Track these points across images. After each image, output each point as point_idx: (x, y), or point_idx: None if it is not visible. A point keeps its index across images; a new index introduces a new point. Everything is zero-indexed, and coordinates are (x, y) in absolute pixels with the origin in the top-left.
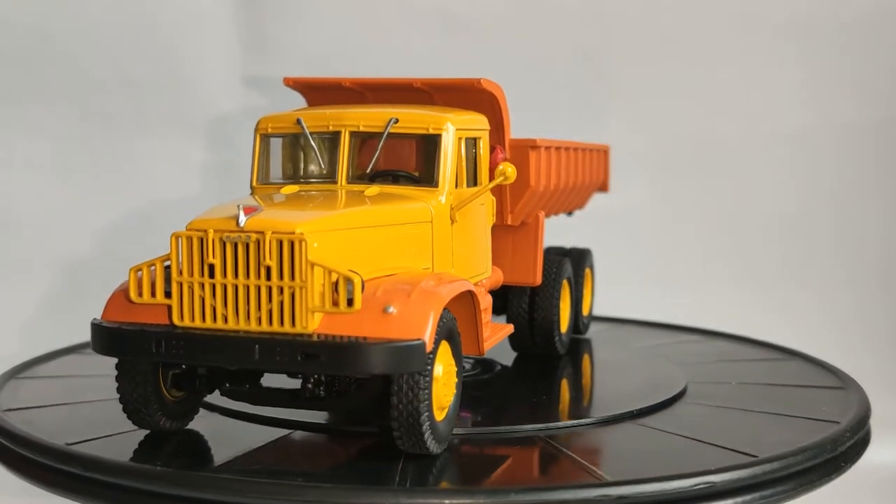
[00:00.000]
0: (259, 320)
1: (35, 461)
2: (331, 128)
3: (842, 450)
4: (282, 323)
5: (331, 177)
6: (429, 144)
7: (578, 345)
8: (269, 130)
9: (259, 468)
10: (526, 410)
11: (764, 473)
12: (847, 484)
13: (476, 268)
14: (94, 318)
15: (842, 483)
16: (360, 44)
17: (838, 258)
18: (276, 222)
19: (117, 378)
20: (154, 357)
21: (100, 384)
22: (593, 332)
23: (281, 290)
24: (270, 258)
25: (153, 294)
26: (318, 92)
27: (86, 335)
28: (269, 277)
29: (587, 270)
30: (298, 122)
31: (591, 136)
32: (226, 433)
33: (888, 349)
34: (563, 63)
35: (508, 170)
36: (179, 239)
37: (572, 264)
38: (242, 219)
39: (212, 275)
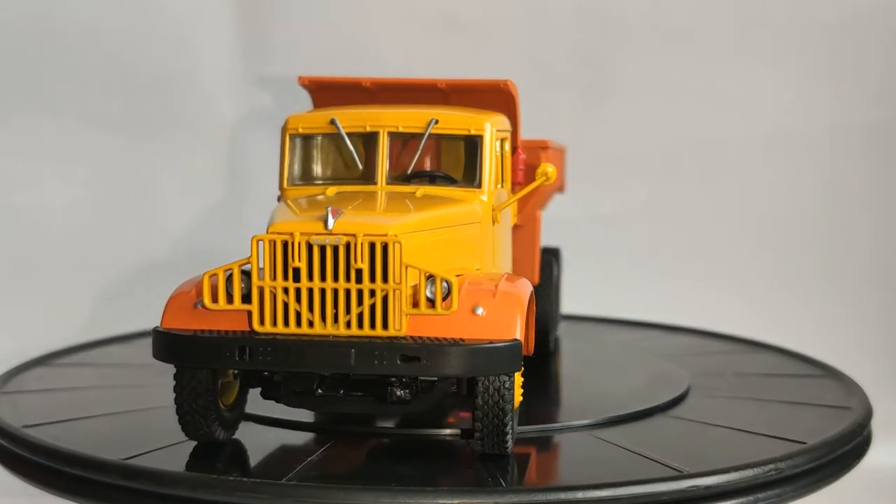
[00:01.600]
0: (347, 324)
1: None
2: (368, 128)
3: (840, 453)
4: (373, 326)
5: (367, 178)
6: (469, 145)
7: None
8: (300, 130)
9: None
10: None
11: (753, 477)
12: (845, 487)
13: (506, 267)
14: (157, 326)
15: (840, 486)
16: (361, 44)
17: (839, 258)
18: (367, 225)
19: (176, 388)
20: (237, 365)
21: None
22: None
23: (372, 293)
24: (361, 261)
25: (230, 300)
26: (327, 91)
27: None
28: (359, 280)
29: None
30: (333, 122)
31: (590, 136)
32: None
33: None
34: (562, 63)
35: (549, 169)
36: (261, 242)
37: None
38: (331, 221)
39: (296, 279)
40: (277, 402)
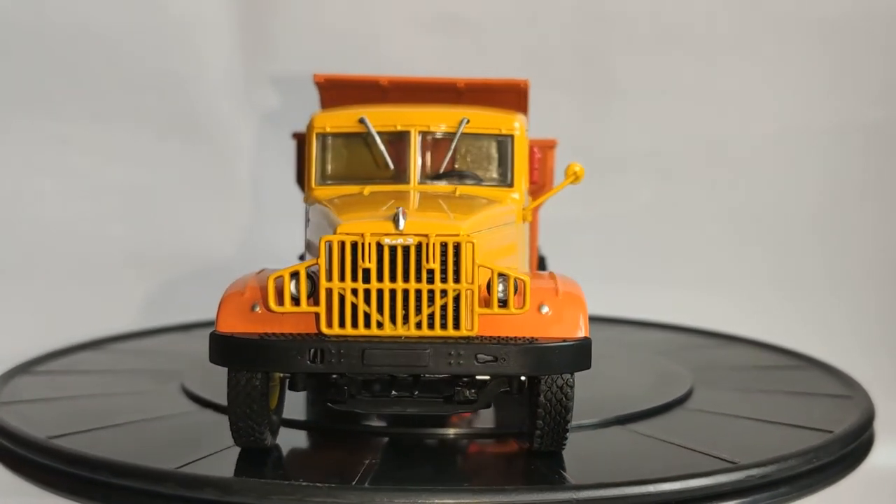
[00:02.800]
0: (418, 325)
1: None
2: (398, 127)
3: (843, 454)
4: (443, 326)
5: (398, 177)
6: (500, 144)
7: None
8: (328, 129)
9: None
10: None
11: (761, 476)
12: (849, 488)
13: (526, 265)
14: (215, 330)
15: (843, 487)
16: (361, 43)
17: (840, 258)
18: (439, 225)
19: (230, 395)
20: (308, 368)
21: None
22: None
23: (443, 293)
24: (433, 261)
25: (296, 302)
26: (337, 90)
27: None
28: (430, 280)
29: None
30: (363, 121)
31: (594, 136)
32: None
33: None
34: (564, 63)
35: (577, 168)
36: (330, 244)
37: None
38: (402, 222)
39: (366, 280)
40: (335, 405)
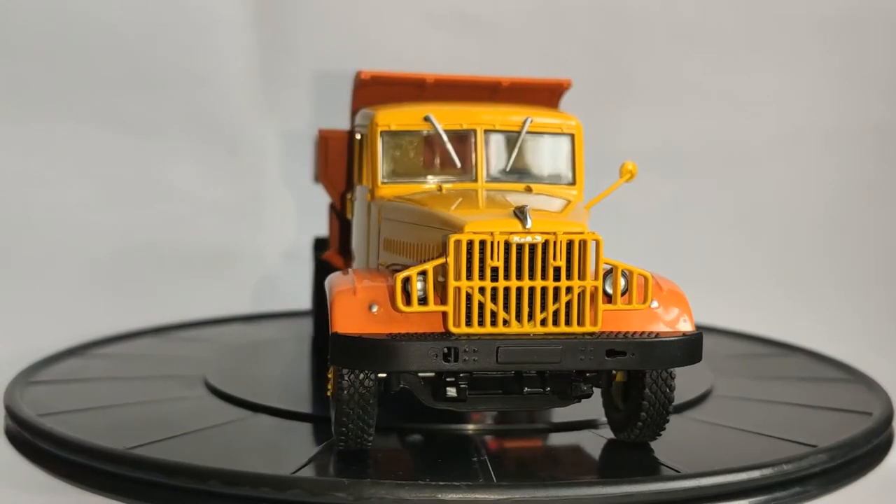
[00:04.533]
0: (542, 322)
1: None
2: (465, 126)
3: (860, 453)
4: (568, 322)
5: (465, 175)
6: (562, 143)
7: None
8: (393, 127)
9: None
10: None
11: (772, 476)
12: (869, 486)
13: None
14: (336, 332)
15: (862, 486)
16: (376, 41)
17: (849, 257)
18: (564, 223)
19: (341, 397)
20: (441, 367)
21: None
22: None
23: (567, 290)
24: (560, 258)
25: (423, 302)
26: (374, 87)
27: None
28: (556, 278)
29: None
30: (429, 119)
31: (606, 134)
32: None
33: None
34: (577, 61)
35: (631, 166)
36: (459, 243)
37: None
38: (529, 221)
39: (493, 278)
40: (452, 404)
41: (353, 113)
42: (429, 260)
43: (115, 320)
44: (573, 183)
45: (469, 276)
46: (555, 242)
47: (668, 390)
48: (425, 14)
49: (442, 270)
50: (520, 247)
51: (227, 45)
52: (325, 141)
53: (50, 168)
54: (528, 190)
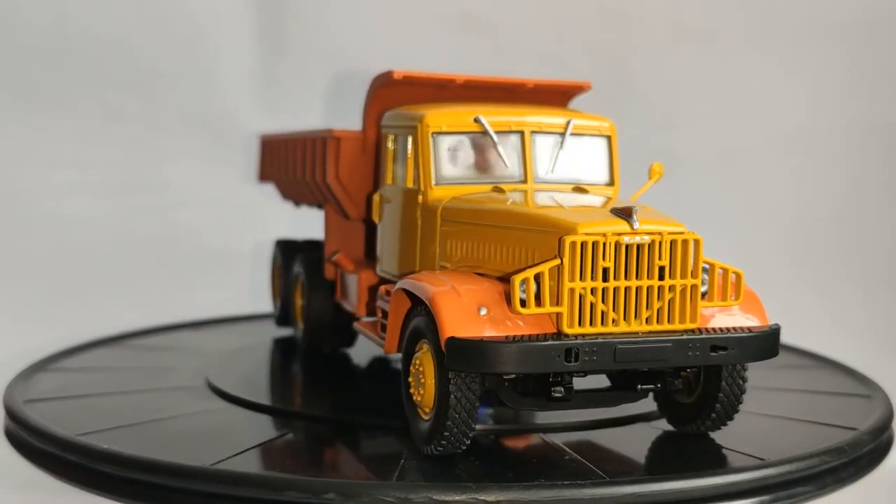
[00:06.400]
0: (647, 320)
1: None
2: (513, 128)
3: (862, 453)
4: (670, 320)
5: (513, 176)
6: (601, 145)
7: None
8: (444, 129)
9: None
10: None
11: (779, 475)
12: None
13: None
14: (452, 336)
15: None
16: (377, 40)
17: (859, 257)
18: (667, 223)
19: (449, 401)
20: (562, 368)
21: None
22: None
23: (670, 289)
24: (664, 258)
25: (539, 303)
26: (398, 87)
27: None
28: (661, 277)
29: None
30: (480, 121)
31: None
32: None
33: None
34: (579, 61)
35: (658, 167)
36: (574, 244)
37: None
38: (636, 222)
39: (604, 279)
40: (555, 400)
41: (372, 113)
42: (527, 263)
43: (115, 320)
44: (611, 183)
45: (582, 277)
46: (660, 242)
47: (741, 382)
48: (425, 14)
49: (553, 272)
50: (628, 247)
51: (228, 45)
52: (337, 141)
53: (48, 166)
54: (582, 190)
